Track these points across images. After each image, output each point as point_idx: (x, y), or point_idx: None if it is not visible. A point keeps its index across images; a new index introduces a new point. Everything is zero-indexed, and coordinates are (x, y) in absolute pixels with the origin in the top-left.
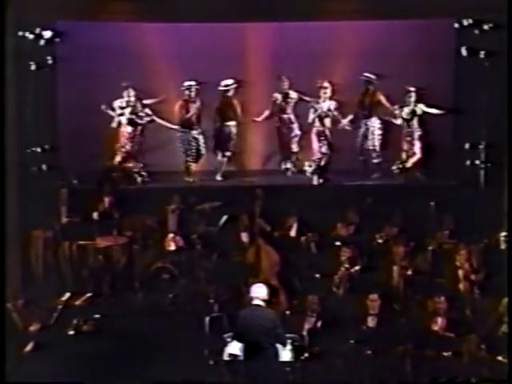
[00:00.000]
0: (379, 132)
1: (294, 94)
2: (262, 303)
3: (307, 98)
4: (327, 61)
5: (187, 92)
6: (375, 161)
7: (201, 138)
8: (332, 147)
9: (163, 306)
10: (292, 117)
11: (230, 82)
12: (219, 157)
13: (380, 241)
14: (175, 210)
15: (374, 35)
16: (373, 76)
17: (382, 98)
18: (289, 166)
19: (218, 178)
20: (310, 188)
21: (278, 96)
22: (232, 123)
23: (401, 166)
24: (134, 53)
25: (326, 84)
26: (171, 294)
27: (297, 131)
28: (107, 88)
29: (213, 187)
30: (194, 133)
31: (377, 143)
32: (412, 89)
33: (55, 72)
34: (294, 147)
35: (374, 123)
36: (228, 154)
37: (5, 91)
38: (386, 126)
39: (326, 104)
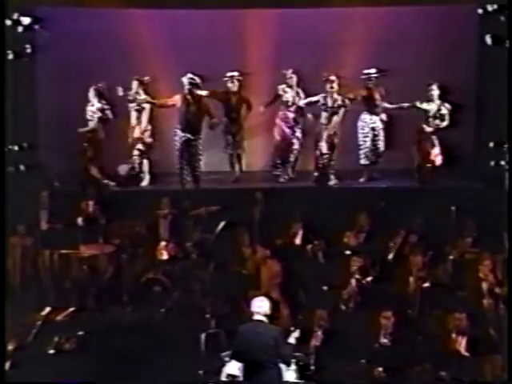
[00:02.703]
0: (381, 131)
1: (301, 93)
2: (263, 318)
3: (315, 98)
4: (336, 51)
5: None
6: (379, 161)
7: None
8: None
9: (154, 322)
10: (296, 115)
11: (234, 73)
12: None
13: (393, 245)
14: (168, 215)
15: (389, 23)
16: (373, 71)
17: (378, 96)
18: (289, 169)
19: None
20: (317, 191)
21: (284, 92)
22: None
23: (418, 166)
24: (123, 42)
25: (332, 77)
26: (163, 309)
27: (298, 132)
28: (92, 80)
29: (209, 190)
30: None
31: (381, 142)
32: (434, 84)
33: (34, 62)
34: (296, 148)
35: (377, 121)
36: (230, 151)
37: None
38: (393, 124)
39: (335, 99)
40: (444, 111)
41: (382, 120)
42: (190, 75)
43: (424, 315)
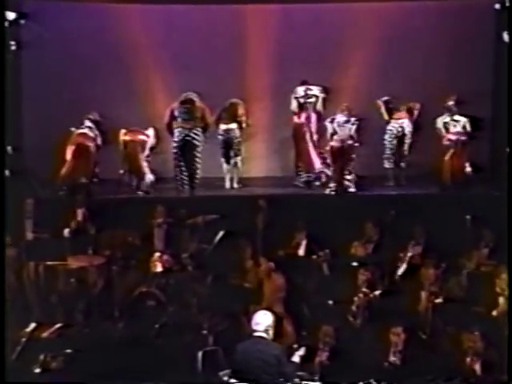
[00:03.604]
0: (410, 135)
1: (315, 91)
2: (265, 335)
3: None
4: (342, 49)
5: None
6: (402, 166)
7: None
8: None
9: (148, 339)
10: (312, 118)
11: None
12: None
13: (403, 257)
14: (162, 224)
15: (398, 19)
16: (387, 98)
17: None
18: (304, 177)
19: (227, 186)
20: (322, 199)
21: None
22: (234, 126)
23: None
24: (114, 40)
25: (343, 107)
26: (157, 324)
27: (314, 136)
28: (81, 80)
29: (207, 197)
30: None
31: (406, 147)
32: (451, 102)
33: (20, 59)
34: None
35: (407, 124)
36: (233, 160)
37: None
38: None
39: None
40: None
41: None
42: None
43: (437, 332)
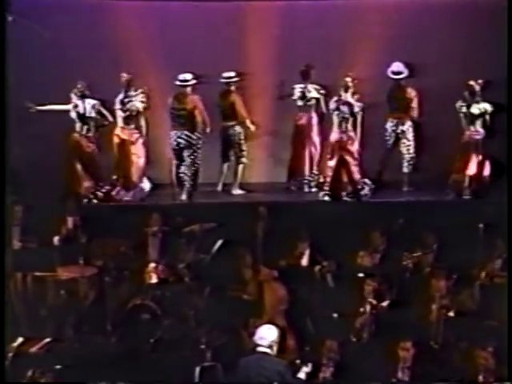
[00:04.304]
0: (412, 136)
1: (313, 92)
2: (269, 351)
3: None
4: (347, 49)
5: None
6: (406, 170)
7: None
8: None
9: (142, 354)
10: (313, 120)
11: (231, 74)
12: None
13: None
14: (157, 232)
15: (408, 17)
16: (402, 69)
17: (414, 99)
18: (305, 182)
19: (219, 189)
20: (326, 206)
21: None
22: (232, 123)
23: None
24: (107, 38)
25: (348, 79)
26: (152, 339)
27: (316, 139)
28: (71, 80)
29: (205, 204)
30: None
31: (411, 150)
32: (477, 87)
33: (6, 59)
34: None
35: (407, 124)
36: (228, 163)
37: None
38: (422, 129)
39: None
40: (483, 110)
41: (409, 125)
42: (182, 76)
43: (448, 347)
